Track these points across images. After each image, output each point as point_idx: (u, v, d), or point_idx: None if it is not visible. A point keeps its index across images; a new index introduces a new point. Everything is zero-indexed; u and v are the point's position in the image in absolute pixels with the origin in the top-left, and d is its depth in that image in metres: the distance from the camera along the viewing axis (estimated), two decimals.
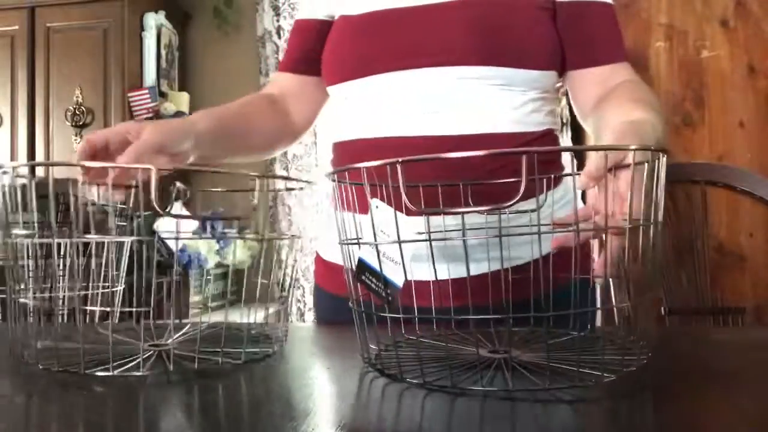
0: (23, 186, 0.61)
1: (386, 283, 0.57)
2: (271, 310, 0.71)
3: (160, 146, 0.77)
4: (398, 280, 0.56)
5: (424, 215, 0.53)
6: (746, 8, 2.22)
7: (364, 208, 0.58)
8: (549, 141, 0.95)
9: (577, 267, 0.58)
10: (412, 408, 0.49)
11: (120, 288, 0.80)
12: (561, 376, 0.52)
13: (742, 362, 0.63)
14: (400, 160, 0.51)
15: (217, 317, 0.73)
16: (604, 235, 0.59)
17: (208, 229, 1.94)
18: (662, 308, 1.60)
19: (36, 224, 0.61)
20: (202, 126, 0.88)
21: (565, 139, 2.47)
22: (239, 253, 2.93)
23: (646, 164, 0.55)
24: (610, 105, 0.85)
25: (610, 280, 0.59)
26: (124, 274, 0.81)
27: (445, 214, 0.56)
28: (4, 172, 0.61)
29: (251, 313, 0.68)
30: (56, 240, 0.61)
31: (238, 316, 0.76)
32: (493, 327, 0.69)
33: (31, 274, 0.67)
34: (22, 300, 0.63)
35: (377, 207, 0.57)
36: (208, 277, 2.63)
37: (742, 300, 2.04)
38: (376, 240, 0.57)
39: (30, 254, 0.65)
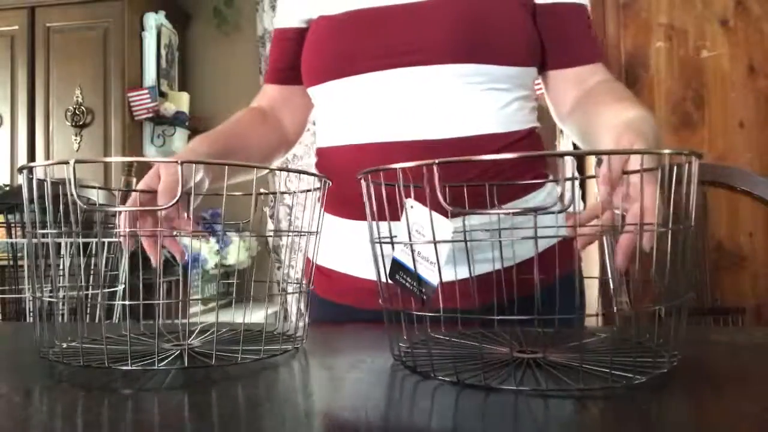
0: (40, 185, 0.61)
1: (420, 281, 0.57)
2: (272, 310, 0.72)
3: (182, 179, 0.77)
4: (433, 280, 0.56)
5: (461, 215, 0.53)
6: (746, 8, 2.22)
7: (394, 209, 0.59)
8: (533, 139, 0.96)
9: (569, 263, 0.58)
10: (442, 406, 0.49)
11: (120, 288, 0.81)
12: (578, 376, 0.53)
13: (742, 362, 0.63)
14: (437, 161, 0.51)
15: (214, 317, 0.73)
16: (609, 235, 0.59)
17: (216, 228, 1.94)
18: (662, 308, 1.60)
19: (63, 224, 0.61)
20: (205, 152, 0.86)
21: (565, 142, 2.47)
22: (239, 253, 2.93)
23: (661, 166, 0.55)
24: (599, 106, 0.85)
25: (612, 280, 0.59)
26: (125, 274, 0.81)
27: (484, 214, 0.57)
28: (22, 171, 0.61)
29: (260, 312, 0.68)
30: (98, 239, 0.61)
31: (240, 316, 0.76)
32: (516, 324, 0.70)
33: (59, 273, 0.67)
34: (46, 299, 0.64)
35: (412, 207, 0.58)
36: (214, 281, 2.64)
37: (742, 300, 2.04)
38: (411, 240, 0.57)
39: (58, 253, 0.65)
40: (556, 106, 0.98)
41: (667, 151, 0.54)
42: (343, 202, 0.94)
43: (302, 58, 0.99)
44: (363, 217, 0.92)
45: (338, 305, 0.97)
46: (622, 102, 0.82)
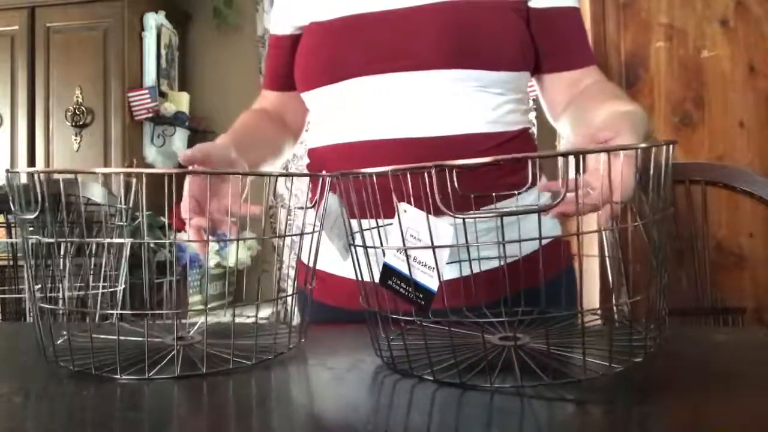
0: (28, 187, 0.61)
1: (416, 287, 0.55)
2: (272, 310, 0.72)
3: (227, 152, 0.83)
4: (432, 285, 0.54)
5: (465, 218, 0.52)
6: (746, 8, 2.21)
7: (377, 213, 0.58)
8: (525, 138, 0.96)
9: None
10: (425, 403, 0.49)
11: (120, 288, 0.81)
12: (565, 367, 0.53)
13: (742, 362, 0.63)
14: (433, 164, 0.50)
15: (214, 317, 0.73)
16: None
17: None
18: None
19: (65, 224, 0.61)
20: (232, 142, 0.90)
21: (565, 141, 2.46)
22: (239, 253, 2.92)
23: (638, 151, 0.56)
24: (593, 100, 0.86)
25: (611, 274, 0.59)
26: (125, 274, 0.81)
27: (487, 217, 0.56)
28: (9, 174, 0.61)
29: (260, 310, 0.68)
30: (109, 240, 0.61)
31: (239, 316, 0.76)
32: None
33: (63, 275, 0.67)
34: (49, 299, 0.63)
35: (405, 211, 0.56)
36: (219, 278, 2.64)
37: (742, 300, 2.03)
38: (405, 245, 0.55)
39: (58, 254, 0.64)
40: (550, 107, 0.99)
41: (643, 145, 0.54)
42: None
43: (296, 64, 1.00)
44: (354, 215, 0.92)
45: (333, 308, 0.97)
46: (617, 99, 0.84)
